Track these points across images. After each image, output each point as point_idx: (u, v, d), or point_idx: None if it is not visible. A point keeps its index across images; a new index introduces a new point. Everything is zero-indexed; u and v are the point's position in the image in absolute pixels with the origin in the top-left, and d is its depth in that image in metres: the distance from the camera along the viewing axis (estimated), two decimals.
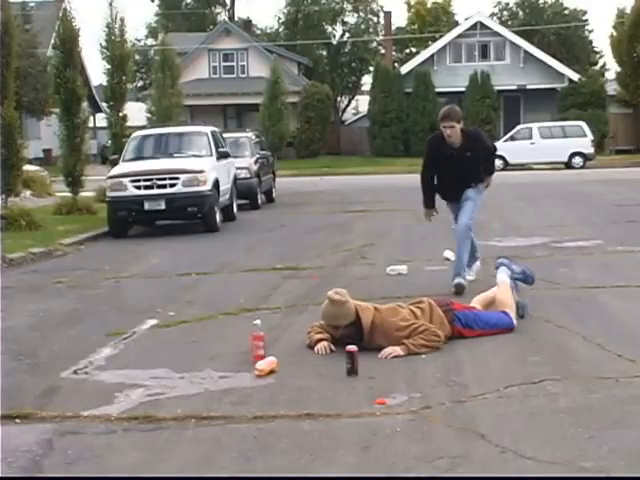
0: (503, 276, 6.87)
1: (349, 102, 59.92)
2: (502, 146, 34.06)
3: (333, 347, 6.11)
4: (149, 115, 26.79)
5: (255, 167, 19.78)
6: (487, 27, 43.66)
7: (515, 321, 6.48)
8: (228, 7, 62.65)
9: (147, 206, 14.74)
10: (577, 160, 33.18)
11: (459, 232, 8.32)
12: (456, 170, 8.29)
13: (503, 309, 6.56)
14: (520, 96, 43.40)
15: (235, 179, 17.72)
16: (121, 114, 20.49)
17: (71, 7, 18.28)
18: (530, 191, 21.44)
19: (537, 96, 42.18)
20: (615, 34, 41.22)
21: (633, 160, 34.84)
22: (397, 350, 5.88)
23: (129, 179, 14.91)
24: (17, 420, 4.94)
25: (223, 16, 60.90)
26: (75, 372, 5.94)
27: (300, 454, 4.21)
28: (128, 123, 20.93)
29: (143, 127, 21.06)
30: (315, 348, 6.12)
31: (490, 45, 43.78)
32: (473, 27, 43.62)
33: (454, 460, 4.03)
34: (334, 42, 57.68)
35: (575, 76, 42.11)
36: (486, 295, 6.84)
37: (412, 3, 58.70)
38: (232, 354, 6.19)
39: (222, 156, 16.36)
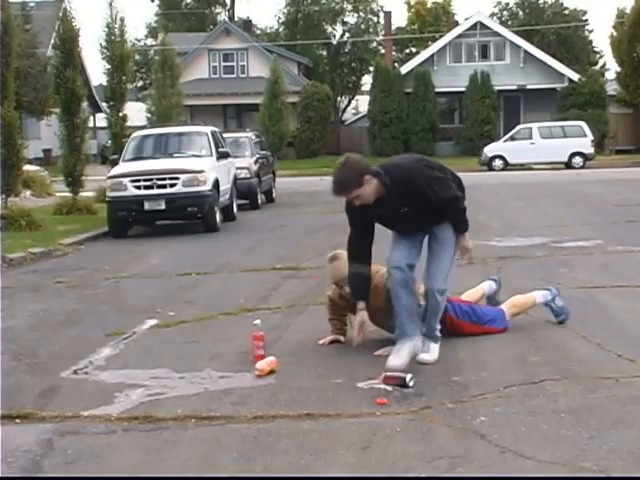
0: (539, 294, 6.70)
1: (349, 102, 59.95)
2: (502, 146, 34.26)
3: (342, 339, 6.35)
4: (149, 115, 26.81)
5: (255, 167, 19.80)
6: (487, 27, 43.68)
7: (508, 322, 6.49)
8: (228, 7, 62.70)
9: (147, 206, 14.75)
10: (577, 160, 33.18)
11: (431, 304, 5.67)
12: (402, 224, 5.61)
13: (506, 308, 6.55)
14: (520, 96, 43.42)
15: (235, 179, 17.73)
16: (121, 114, 20.51)
17: (71, 7, 18.36)
18: (530, 191, 21.43)
19: (537, 96, 42.19)
20: (615, 34, 41.23)
21: (633, 160, 34.86)
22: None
23: (129, 179, 14.92)
24: (17, 420, 4.94)
25: (223, 16, 60.93)
26: (75, 372, 5.94)
27: (300, 454, 4.21)
28: (128, 123, 20.94)
29: (143, 127, 21.07)
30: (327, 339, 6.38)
31: (490, 45, 43.80)
32: (473, 27, 43.64)
33: (454, 460, 4.03)
34: (334, 42, 57.71)
35: (575, 76, 42.13)
36: (475, 291, 6.83)
37: (412, 3, 58.74)
38: (232, 354, 6.19)
39: (222, 156, 16.37)
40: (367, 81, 52.17)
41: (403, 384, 5.16)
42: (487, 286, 6.91)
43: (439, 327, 5.81)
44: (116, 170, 15.52)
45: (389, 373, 5.28)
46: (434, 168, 5.57)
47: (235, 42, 46.00)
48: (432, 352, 5.72)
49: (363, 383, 5.28)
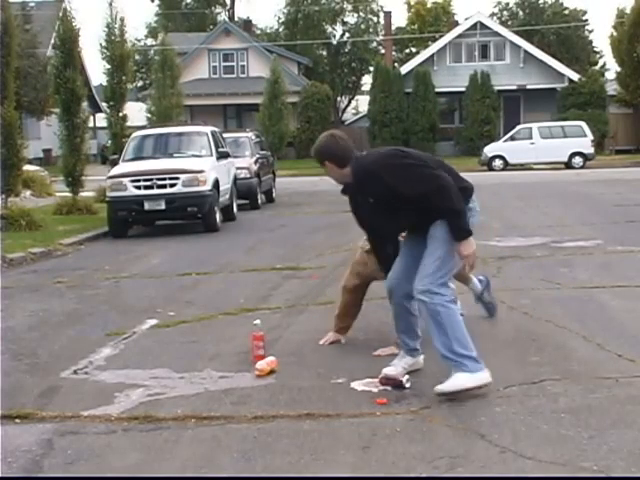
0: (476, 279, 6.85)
1: (349, 102, 59.96)
2: (502, 146, 34.26)
3: (343, 340, 6.42)
4: (149, 115, 26.81)
5: (255, 167, 19.79)
6: (487, 27, 43.67)
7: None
8: (228, 7, 62.73)
9: (147, 206, 14.75)
10: (577, 160, 33.18)
11: (422, 309, 5.14)
12: (375, 217, 5.23)
13: None
14: (520, 96, 43.41)
15: (235, 179, 17.73)
16: (121, 114, 20.51)
17: (71, 7, 18.34)
18: (530, 191, 21.43)
19: (537, 96, 42.19)
20: (615, 34, 41.21)
21: (633, 160, 34.85)
22: None
23: (129, 179, 14.92)
24: (17, 420, 4.93)
25: (223, 16, 60.98)
26: (75, 372, 5.94)
27: (300, 454, 4.21)
28: (128, 123, 20.94)
29: (143, 127, 21.08)
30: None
31: (490, 45, 43.80)
32: (473, 27, 43.63)
33: (454, 460, 4.03)
34: (334, 42, 57.72)
35: (575, 76, 42.13)
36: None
37: (412, 3, 58.74)
38: (232, 354, 6.19)
39: (222, 156, 16.36)
40: (367, 81, 52.20)
41: (400, 386, 5.16)
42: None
43: (463, 352, 4.90)
44: (116, 170, 15.51)
45: (385, 376, 5.27)
46: (410, 157, 5.04)
47: (235, 42, 46.01)
48: (449, 382, 4.93)
49: (358, 383, 5.28)
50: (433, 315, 4.93)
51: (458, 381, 4.88)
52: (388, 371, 5.30)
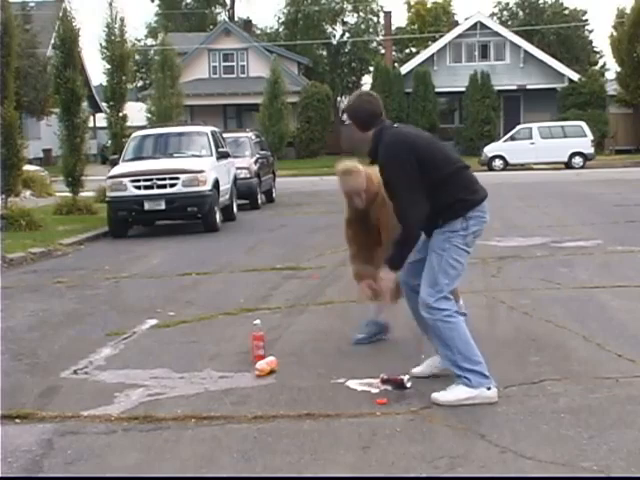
0: None
1: None
2: (502, 146, 34.26)
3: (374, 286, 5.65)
4: (149, 115, 26.82)
5: (255, 167, 19.80)
6: (487, 27, 43.68)
7: None
8: (228, 7, 62.77)
9: (147, 206, 14.75)
10: (577, 160, 33.18)
11: (425, 317, 4.97)
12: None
13: None
14: (520, 96, 43.42)
15: (235, 179, 17.73)
16: (121, 114, 20.51)
17: (71, 7, 18.34)
18: (530, 191, 21.43)
19: (537, 96, 42.19)
20: (615, 34, 41.20)
21: (633, 160, 34.85)
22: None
23: (129, 179, 14.92)
24: (17, 420, 4.93)
25: (223, 16, 61.01)
26: (75, 372, 5.95)
27: (300, 454, 4.21)
28: (128, 123, 20.94)
29: (143, 127, 21.07)
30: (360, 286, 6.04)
31: (490, 45, 43.79)
32: (473, 27, 43.63)
33: (454, 460, 4.03)
34: (334, 42, 57.74)
35: (575, 76, 42.14)
36: None
37: (412, 3, 58.75)
38: (232, 354, 6.19)
39: (222, 156, 16.37)
40: (367, 81, 52.26)
41: (401, 385, 5.16)
42: None
43: (466, 366, 4.82)
44: (116, 170, 15.51)
45: (386, 375, 5.27)
46: (411, 167, 4.81)
47: (235, 42, 46.01)
48: (448, 392, 4.88)
49: (357, 383, 5.29)
50: (434, 329, 4.96)
51: (456, 394, 4.85)
52: (414, 370, 5.33)
